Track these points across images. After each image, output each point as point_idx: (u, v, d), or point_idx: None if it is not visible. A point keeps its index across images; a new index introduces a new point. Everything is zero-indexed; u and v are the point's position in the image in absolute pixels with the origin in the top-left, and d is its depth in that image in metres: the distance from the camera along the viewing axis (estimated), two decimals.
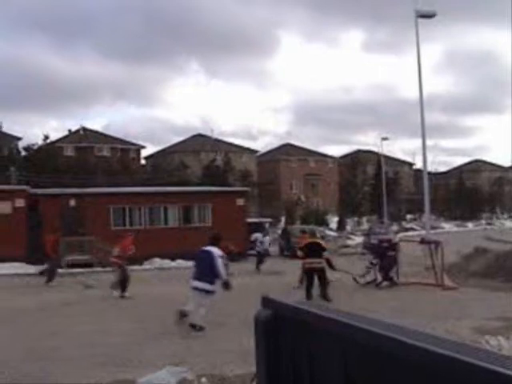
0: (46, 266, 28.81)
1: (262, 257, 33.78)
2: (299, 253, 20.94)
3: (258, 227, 42.01)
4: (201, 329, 14.15)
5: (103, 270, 33.21)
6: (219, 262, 14.48)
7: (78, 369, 10.72)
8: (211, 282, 14.43)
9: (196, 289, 14.55)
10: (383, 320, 1.86)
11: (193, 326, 14.17)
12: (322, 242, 22.49)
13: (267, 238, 36.85)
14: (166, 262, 36.80)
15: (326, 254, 21.03)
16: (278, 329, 2.17)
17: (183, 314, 14.39)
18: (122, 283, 22.12)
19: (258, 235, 35.69)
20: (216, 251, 14.77)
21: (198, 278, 14.56)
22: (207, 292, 14.42)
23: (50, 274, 27.37)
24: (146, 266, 36.04)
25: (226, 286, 14.58)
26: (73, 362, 11.33)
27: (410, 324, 13.88)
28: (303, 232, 29.74)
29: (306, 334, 2.06)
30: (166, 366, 9.06)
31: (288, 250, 42.18)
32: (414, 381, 1.53)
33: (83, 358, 11.59)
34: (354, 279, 23.32)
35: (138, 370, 9.63)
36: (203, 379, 8.80)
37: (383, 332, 1.64)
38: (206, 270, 14.40)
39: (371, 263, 23.40)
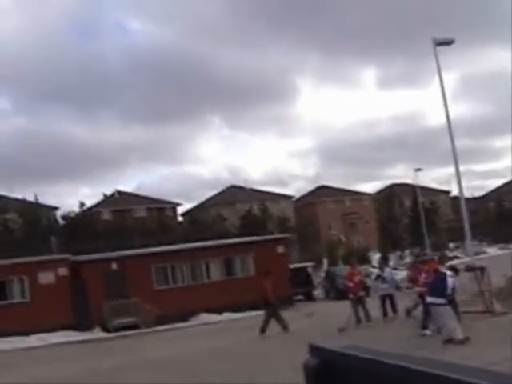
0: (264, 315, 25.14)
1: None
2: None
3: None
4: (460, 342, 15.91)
5: (151, 331, 33.27)
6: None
7: None
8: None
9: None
10: (446, 360, 1.78)
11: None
12: None
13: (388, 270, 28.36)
14: (213, 317, 36.67)
15: None
16: (327, 376, 2.09)
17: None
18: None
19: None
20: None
21: None
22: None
23: (281, 323, 24.37)
24: (192, 322, 35.97)
25: None
26: None
27: (465, 353, 13.66)
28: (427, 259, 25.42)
29: (358, 380, 1.98)
30: None
31: (333, 291, 41.87)
32: None
33: None
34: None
35: None
36: None
37: (446, 374, 1.56)
38: None
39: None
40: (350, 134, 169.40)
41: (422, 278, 20.68)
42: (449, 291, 16.90)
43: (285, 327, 24.11)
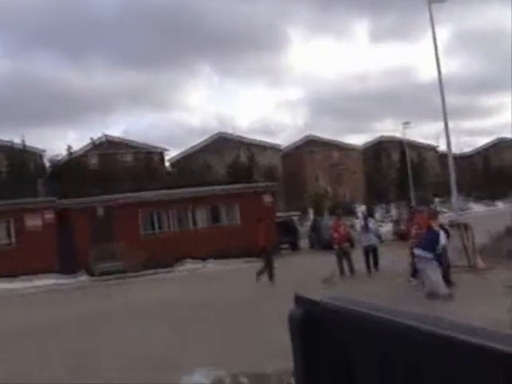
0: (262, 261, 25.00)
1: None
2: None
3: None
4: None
5: (136, 276, 33.48)
6: None
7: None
8: None
9: None
10: (428, 314, 1.83)
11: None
12: None
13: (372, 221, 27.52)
14: (197, 263, 36.90)
15: None
16: (312, 327, 2.13)
17: None
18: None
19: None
20: None
21: None
22: None
23: (270, 271, 24.13)
24: (177, 268, 36.19)
25: None
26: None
27: (447, 308, 13.85)
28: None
29: (343, 333, 2.03)
30: (201, 366, 9.06)
31: (319, 242, 42.11)
32: (460, 379, 1.51)
33: (124, 362, 11.70)
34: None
35: (178, 372, 9.63)
36: (242, 378, 8.81)
37: (428, 328, 1.60)
38: None
39: None
40: (341, 86, 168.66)
41: (414, 229, 20.76)
42: (438, 248, 16.96)
43: (271, 276, 24.07)
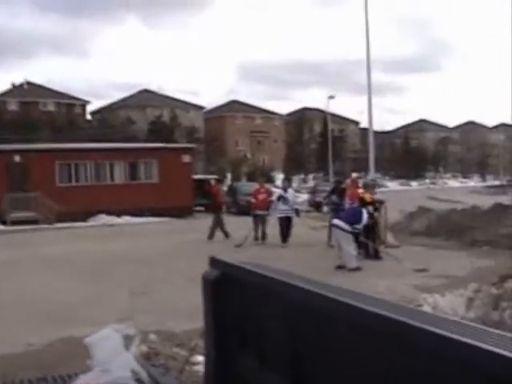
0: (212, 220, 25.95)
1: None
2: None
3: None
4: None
5: (50, 227, 33.16)
6: None
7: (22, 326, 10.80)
8: None
9: None
10: (327, 282, 1.96)
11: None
12: None
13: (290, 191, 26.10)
14: (112, 219, 36.69)
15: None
16: (225, 288, 2.24)
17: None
18: None
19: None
20: None
21: None
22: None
23: (224, 229, 25.50)
24: (92, 222, 35.95)
25: None
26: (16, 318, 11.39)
27: (356, 281, 14.17)
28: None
29: (252, 294, 2.14)
30: (110, 323, 9.11)
31: (234, 206, 42.30)
32: (353, 340, 1.63)
33: (28, 315, 11.66)
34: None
35: (83, 327, 9.65)
36: (151, 335, 8.93)
37: (325, 293, 1.72)
38: None
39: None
40: (268, 53, 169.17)
41: (347, 202, 21.07)
42: (359, 226, 17.22)
43: (226, 234, 25.26)
